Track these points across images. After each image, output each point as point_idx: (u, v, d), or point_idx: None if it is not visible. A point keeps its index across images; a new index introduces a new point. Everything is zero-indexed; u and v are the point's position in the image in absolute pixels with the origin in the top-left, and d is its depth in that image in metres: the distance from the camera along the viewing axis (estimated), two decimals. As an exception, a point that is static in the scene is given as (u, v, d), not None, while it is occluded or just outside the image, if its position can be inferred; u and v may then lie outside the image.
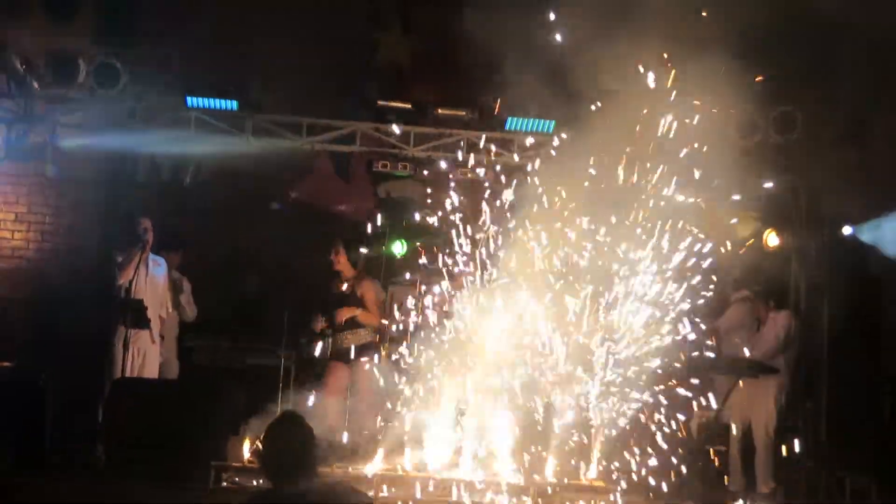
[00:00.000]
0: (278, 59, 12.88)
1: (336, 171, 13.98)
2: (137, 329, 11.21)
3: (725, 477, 11.72)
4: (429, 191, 12.40)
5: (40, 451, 10.57)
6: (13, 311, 13.17)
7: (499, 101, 12.50)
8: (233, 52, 12.91)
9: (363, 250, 12.57)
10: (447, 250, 11.28)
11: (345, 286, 11.99)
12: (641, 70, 10.92)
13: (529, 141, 12.43)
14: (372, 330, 12.05)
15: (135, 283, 11.20)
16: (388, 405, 10.99)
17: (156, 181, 13.38)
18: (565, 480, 10.27)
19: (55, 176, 12.83)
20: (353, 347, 11.94)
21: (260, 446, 5.89)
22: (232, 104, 12.35)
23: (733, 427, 11.81)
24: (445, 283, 11.19)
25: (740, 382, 11.57)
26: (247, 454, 10.02)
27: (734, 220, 11.70)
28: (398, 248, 13.81)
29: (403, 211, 13.90)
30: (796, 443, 11.83)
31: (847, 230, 12.62)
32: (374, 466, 10.35)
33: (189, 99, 12.28)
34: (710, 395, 11.65)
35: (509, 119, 12.40)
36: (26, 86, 12.10)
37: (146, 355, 11.43)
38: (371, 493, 9.42)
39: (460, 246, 11.17)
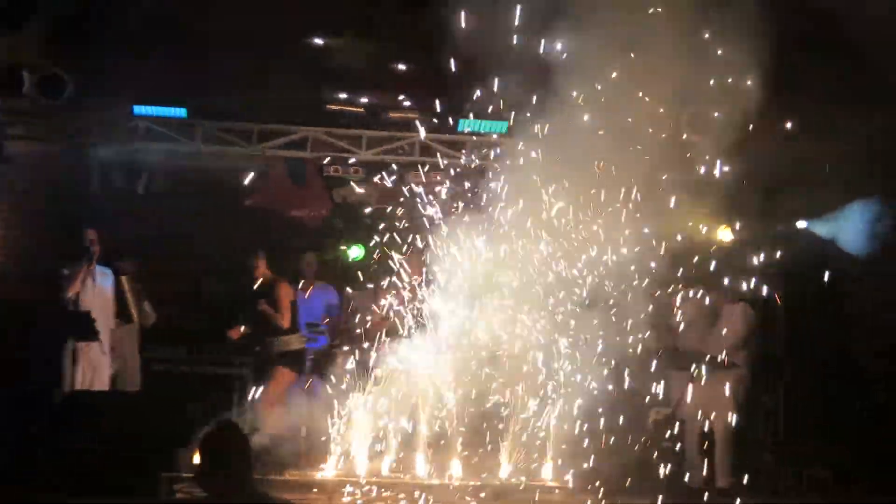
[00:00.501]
0: (230, 65, 12.83)
1: (291, 176, 13.86)
2: (86, 342, 11.08)
3: (687, 474, 11.68)
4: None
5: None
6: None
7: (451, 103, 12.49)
8: (183, 60, 12.81)
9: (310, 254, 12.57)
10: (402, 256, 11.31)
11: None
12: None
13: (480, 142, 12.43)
14: (300, 338, 11.99)
15: (82, 296, 11.09)
16: (337, 410, 10.96)
17: (109, 190, 13.28)
18: (521, 480, 10.27)
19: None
20: (283, 351, 11.92)
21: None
22: (180, 112, 12.24)
23: (692, 422, 11.80)
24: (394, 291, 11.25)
25: (702, 378, 11.60)
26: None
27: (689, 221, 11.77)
28: (355, 252, 13.75)
29: (361, 215, 13.85)
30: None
31: (802, 224, 12.62)
32: (328, 472, 10.32)
33: (136, 108, 12.16)
34: (664, 391, 11.73)
35: (461, 121, 12.32)
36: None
37: (96, 368, 11.31)
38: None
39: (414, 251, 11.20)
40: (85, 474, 9.51)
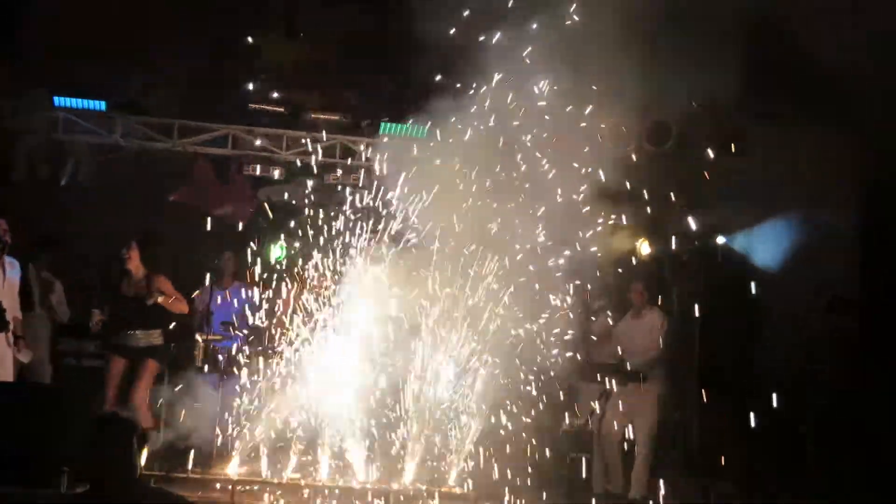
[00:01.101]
0: (156, 59, 12.79)
1: (216, 174, 13.77)
2: (-6, 332, 10.94)
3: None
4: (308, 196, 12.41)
5: None
6: None
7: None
8: (106, 52, 12.74)
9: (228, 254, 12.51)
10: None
11: (136, 285, 11.80)
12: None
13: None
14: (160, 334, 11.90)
15: (-9, 286, 10.94)
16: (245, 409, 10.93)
17: (33, 180, 13.16)
18: (423, 486, 10.25)
19: None
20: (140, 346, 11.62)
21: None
22: (100, 104, 12.13)
23: (610, 434, 11.84)
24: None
25: (617, 390, 11.67)
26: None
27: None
28: (276, 252, 13.68)
29: (284, 215, 13.81)
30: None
31: (720, 239, 12.71)
32: (231, 470, 10.26)
33: (56, 99, 12.04)
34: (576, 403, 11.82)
35: (382, 124, 12.32)
36: None
37: (2, 359, 11.15)
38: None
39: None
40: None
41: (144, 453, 10.44)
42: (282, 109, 12.64)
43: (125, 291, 11.55)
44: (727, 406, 11.94)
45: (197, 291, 12.56)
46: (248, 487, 10.03)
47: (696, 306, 12.32)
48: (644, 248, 12.71)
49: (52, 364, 12.58)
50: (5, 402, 10.17)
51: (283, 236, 13.32)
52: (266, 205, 13.98)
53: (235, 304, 12.57)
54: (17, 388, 11.16)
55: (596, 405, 11.58)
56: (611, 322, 12.17)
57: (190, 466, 10.41)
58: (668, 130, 12.44)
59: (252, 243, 13.16)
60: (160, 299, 11.42)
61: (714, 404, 12.11)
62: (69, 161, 13.02)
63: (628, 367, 11.58)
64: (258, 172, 12.77)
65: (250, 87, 13.32)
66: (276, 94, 13.07)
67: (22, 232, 11.37)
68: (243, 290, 12.73)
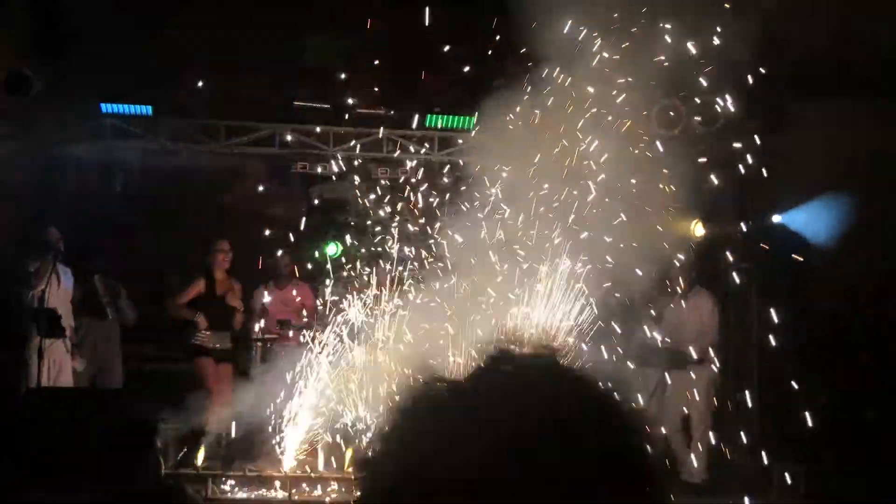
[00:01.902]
0: (198, 62, 12.87)
1: (268, 174, 13.82)
2: (52, 338, 11.04)
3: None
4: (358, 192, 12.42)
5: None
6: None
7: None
8: (151, 56, 12.84)
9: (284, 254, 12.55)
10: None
11: (220, 288, 11.93)
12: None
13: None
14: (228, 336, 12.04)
15: (48, 293, 11.04)
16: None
17: (85, 188, 13.29)
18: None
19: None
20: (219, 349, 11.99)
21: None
22: (146, 109, 12.21)
23: (671, 419, 11.77)
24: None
25: (674, 375, 11.60)
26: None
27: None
28: (332, 249, 13.69)
29: (337, 212, 13.85)
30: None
31: (777, 218, 12.54)
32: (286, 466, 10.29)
33: (104, 105, 12.12)
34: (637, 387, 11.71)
35: (428, 116, 12.30)
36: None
37: (61, 366, 11.27)
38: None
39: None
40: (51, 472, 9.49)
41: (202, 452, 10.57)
42: (327, 106, 12.62)
43: (209, 294, 11.72)
44: (787, 387, 11.78)
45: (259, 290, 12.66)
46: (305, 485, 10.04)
47: (753, 287, 12.25)
48: (698, 229, 12.55)
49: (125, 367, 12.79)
50: (69, 407, 10.33)
51: (337, 233, 13.41)
52: (317, 202, 14.05)
53: (293, 303, 12.63)
54: (77, 394, 11.32)
55: (653, 388, 11.50)
56: (671, 305, 12.09)
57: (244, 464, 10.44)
58: (716, 110, 12.24)
59: (306, 241, 13.27)
60: (237, 303, 11.64)
61: (774, 385, 11.97)
62: (121, 168, 13.12)
63: (684, 351, 11.50)
64: (307, 169, 12.77)
65: (303, 85, 13.37)
66: (320, 91, 13.06)
67: (70, 240, 11.54)
68: (302, 289, 12.80)
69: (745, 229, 12.47)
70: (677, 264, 11.75)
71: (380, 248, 11.68)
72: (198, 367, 11.94)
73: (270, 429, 10.92)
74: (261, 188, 13.86)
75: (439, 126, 12.44)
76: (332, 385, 10.82)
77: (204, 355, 11.91)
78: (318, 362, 11.03)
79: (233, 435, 11.04)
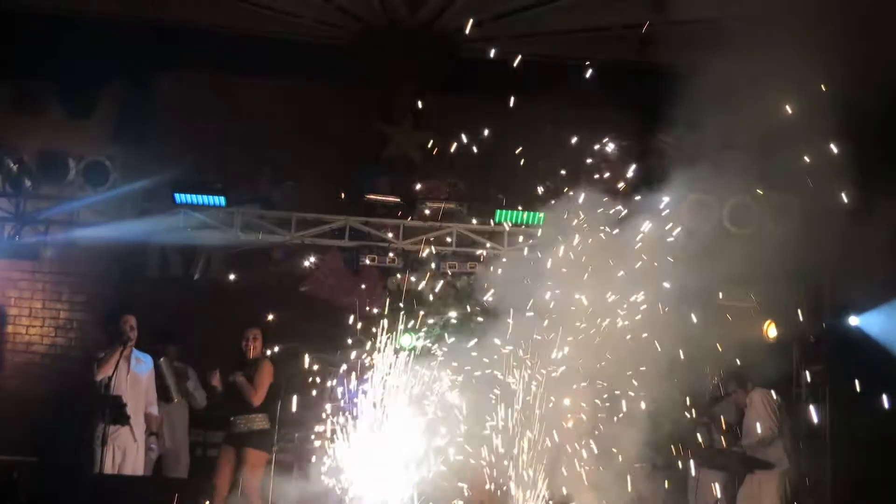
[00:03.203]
0: (269, 155, 13.13)
1: (345, 263, 13.89)
2: (116, 425, 11.17)
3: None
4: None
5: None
6: (24, 406, 13.36)
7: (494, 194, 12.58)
8: (225, 147, 13.13)
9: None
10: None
11: (246, 370, 11.96)
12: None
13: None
14: (265, 418, 11.95)
15: (114, 380, 11.19)
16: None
17: (166, 275, 13.51)
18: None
19: (54, 261, 13.06)
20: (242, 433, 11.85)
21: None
22: (220, 200, 12.40)
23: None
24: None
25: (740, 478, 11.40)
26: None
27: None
28: (407, 341, 13.67)
29: (413, 304, 13.87)
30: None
31: (854, 320, 12.28)
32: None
33: (177, 196, 12.34)
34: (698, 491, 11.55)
35: (498, 212, 12.31)
36: (20, 185, 12.28)
37: (126, 452, 11.38)
38: None
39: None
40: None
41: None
42: (398, 200, 12.72)
43: (235, 376, 11.80)
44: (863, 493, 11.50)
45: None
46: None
47: (828, 389, 12.01)
48: (771, 330, 12.35)
49: (191, 455, 12.88)
50: (129, 495, 10.45)
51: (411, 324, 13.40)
52: (396, 293, 14.09)
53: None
54: (139, 482, 11.42)
55: (717, 492, 11.26)
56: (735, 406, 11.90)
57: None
58: (791, 208, 12.09)
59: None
60: (239, 379, 11.64)
61: (850, 491, 11.69)
62: (201, 256, 13.31)
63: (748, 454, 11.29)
64: (375, 262, 12.82)
65: (382, 178, 13.51)
66: (391, 185, 13.18)
67: (145, 327, 11.72)
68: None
69: (819, 330, 12.25)
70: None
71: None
72: (220, 454, 11.95)
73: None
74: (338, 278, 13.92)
75: (510, 222, 12.42)
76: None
77: (228, 442, 11.91)
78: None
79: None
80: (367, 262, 12.80)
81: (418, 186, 12.92)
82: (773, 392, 11.71)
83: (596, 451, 11.25)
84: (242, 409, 11.83)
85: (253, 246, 13.06)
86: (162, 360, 12.30)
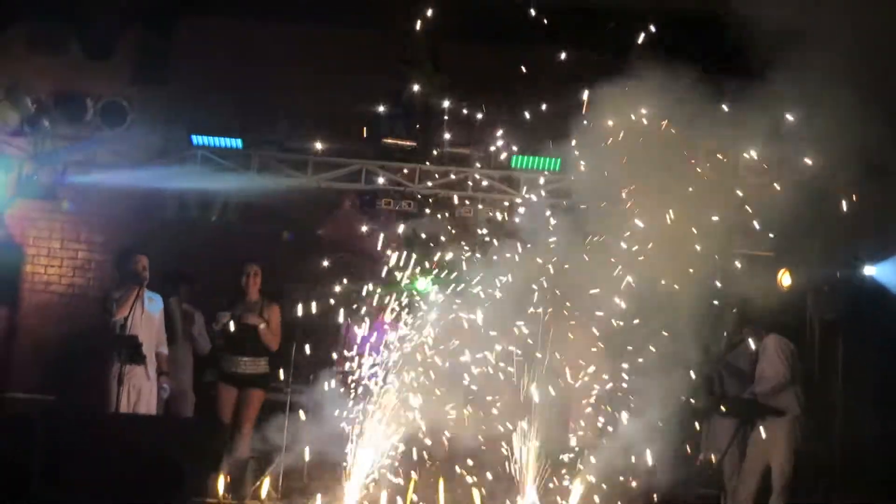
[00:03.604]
0: (288, 97, 13.13)
1: (361, 207, 13.92)
2: (132, 365, 11.26)
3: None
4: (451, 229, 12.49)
5: (25, 489, 10.66)
6: (42, 345, 13.51)
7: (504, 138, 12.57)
8: (241, 92, 13.12)
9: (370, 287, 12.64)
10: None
11: (249, 310, 12.09)
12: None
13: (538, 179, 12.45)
14: (267, 362, 12.08)
15: (130, 320, 11.27)
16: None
17: (183, 217, 13.57)
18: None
19: (72, 211, 13.11)
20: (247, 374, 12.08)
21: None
22: (237, 142, 12.42)
23: (747, 471, 11.61)
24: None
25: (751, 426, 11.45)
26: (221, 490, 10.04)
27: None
28: (423, 284, 13.70)
29: (429, 248, 13.91)
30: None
31: (869, 270, 12.28)
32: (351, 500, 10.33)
33: (194, 137, 12.37)
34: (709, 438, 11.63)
35: (514, 157, 12.31)
36: (38, 125, 12.32)
37: (141, 391, 11.47)
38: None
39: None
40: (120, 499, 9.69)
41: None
42: (415, 144, 12.71)
43: (238, 315, 11.88)
44: (871, 442, 11.55)
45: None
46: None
47: (841, 338, 12.05)
48: (786, 278, 12.35)
49: (196, 395, 12.97)
50: (141, 433, 10.54)
51: (427, 269, 13.45)
52: (412, 237, 14.13)
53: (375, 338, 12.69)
54: (152, 421, 11.52)
55: (729, 441, 11.32)
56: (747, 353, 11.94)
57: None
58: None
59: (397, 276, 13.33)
60: (261, 327, 11.73)
61: (858, 439, 11.74)
62: (218, 199, 13.33)
63: (755, 402, 11.32)
64: (391, 206, 12.85)
65: (382, 122, 13.50)
66: (408, 128, 13.17)
67: (157, 268, 11.79)
68: (384, 325, 12.85)
69: (833, 279, 12.25)
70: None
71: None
72: (215, 392, 12.14)
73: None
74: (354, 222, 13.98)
75: (525, 167, 12.41)
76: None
77: (224, 381, 12.07)
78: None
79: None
80: (383, 205, 12.82)
81: (436, 131, 12.91)
82: (787, 339, 11.75)
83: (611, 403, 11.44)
84: (249, 352, 11.98)
85: (270, 193, 13.07)
86: (172, 299, 12.40)
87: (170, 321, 12.26)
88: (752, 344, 11.81)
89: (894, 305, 11.96)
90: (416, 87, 13.89)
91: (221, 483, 10.06)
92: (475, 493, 10.30)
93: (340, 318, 12.18)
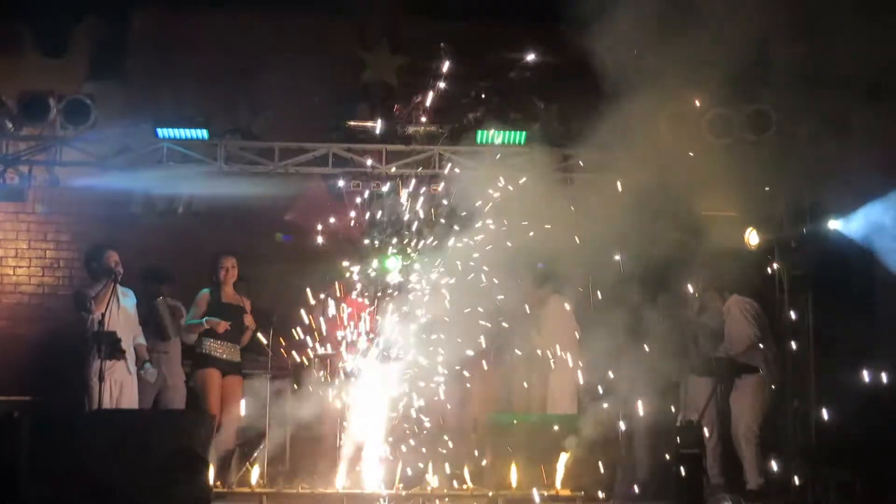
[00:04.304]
0: (249, 85, 13.14)
1: (329, 190, 13.94)
2: (112, 360, 11.30)
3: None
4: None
5: (13, 487, 10.69)
6: (15, 346, 13.52)
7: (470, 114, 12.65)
8: (203, 82, 13.12)
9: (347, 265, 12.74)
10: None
11: (229, 299, 12.31)
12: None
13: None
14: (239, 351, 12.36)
15: (108, 316, 11.31)
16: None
17: (151, 212, 13.57)
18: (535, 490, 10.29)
19: (45, 213, 13.10)
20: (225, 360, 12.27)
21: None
22: (202, 133, 12.42)
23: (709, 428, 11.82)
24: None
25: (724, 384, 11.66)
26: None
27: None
28: (393, 263, 13.75)
29: (399, 228, 13.99)
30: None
31: (834, 224, 12.42)
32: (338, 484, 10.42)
33: (159, 130, 12.35)
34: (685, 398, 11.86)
35: (479, 132, 12.37)
36: (1, 127, 12.28)
37: (123, 386, 11.53)
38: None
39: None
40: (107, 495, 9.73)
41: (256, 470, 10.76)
42: (377, 125, 12.74)
43: (216, 304, 11.99)
44: (844, 394, 11.69)
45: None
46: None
47: (810, 293, 12.20)
48: (753, 237, 12.49)
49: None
50: (127, 428, 10.58)
51: (396, 249, 13.53)
52: (374, 219, 14.20)
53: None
54: (138, 415, 11.56)
55: (708, 397, 11.50)
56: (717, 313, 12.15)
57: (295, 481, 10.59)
58: (769, 117, 12.17)
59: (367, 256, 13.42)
60: (248, 321, 11.87)
61: (831, 392, 11.89)
62: (184, 190, 13.33)
63: (728, 360, 11.55)
64: (360, 188, 12.88)
65: (363, 104, 13.58)
66: (371, 110, 13.24)
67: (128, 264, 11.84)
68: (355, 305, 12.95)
69: (799, 235, 12.37)
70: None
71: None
72: (201, 378, 12.22)
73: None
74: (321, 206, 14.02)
75: (493, 142, 12.48)
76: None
77: (211, 366, 12.18)
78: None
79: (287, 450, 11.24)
80: (351, 188, 12.87)
81: (399, 111, 12.96)
82: (750, 299, 11.95)
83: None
84: (232, 338, 12.11)
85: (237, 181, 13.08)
86: (159, 300, 12.48)
87: (158, 321, 12.37)
88: (718, 305, 12.06)
89: (861, 258, 12.08)
90: (374, 69, 14.09)
91: (211, 472, 10.08)
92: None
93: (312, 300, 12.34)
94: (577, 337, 12.12)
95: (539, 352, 12.27)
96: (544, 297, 12.42)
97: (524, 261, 11.76)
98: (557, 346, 12.11)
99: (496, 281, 11.40)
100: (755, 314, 11.85)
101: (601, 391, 11.53)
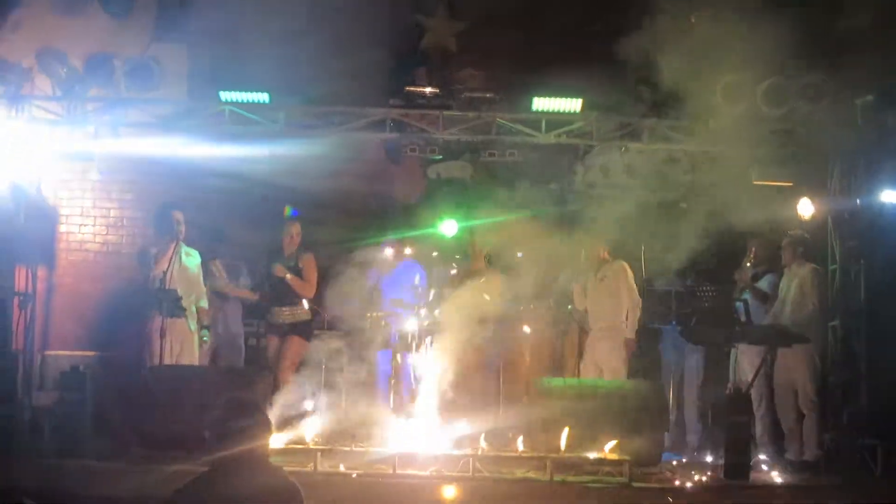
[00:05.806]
0: (310, 49, 13.24)
1: (387, 155, 14.09)
2: (173, 318, 11.58)
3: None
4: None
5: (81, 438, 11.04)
6: (80, 303, 13.80)
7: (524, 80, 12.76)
8: (268, 45, 13.23)
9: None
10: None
11: (286, 262, 12.59)
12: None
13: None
14: (307, 308, 12.52)
15: (169, 274, 11.60)
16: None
17: (214, 174, 13.76)
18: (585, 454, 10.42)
19: (103, 178, 13.30)
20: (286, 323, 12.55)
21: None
22: (264, 97, 12.58)
23: (778, 397, 11.91)
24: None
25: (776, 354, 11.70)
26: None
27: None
28: (449, 227, 13.82)
29: (455, 192, 14.15)
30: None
31: (888, 195, 12.41)
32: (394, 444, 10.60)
33: (221, 93, 12.53)
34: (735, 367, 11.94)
35: (534, 99, 12.45)
36: (69, 89, 12.48)
37: (183, 344, 11.82)
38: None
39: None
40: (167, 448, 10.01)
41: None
42: (437, 90, 12.84)
43: (276, 268, 12.20)
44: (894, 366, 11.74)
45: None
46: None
47: (863, 263, 12.21)
48: (807, 206, 12.51)
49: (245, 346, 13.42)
50: (187, 383, 10.87)
51: (454, 212, 13.70)
52: (437, 182, 14.35)
53: (405, 282, 12.92)
54: (196, 371, 11.84)
55: (759, 365, 11.57)
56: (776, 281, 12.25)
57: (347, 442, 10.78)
58: (824, 88, 12.15)
59: (424, 220, 13.59)
60: (288, 276, 12.03)
61: (883, 364, 11.92)
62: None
63: (783, 329, 11.57)
64: (416, 153, 13.03)
65: (421, 69, 13.70)
66: (429, 75, 13.35)
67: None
68: (413, 268, 13.11)
69: (853, 206, 12.38)
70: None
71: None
72: (267, 343, 12.69)
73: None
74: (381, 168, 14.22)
75: (547, 109, 12.56)
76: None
77: (272, 331, 12.58)
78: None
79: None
80: (408, 153, 13.01)
81: (457, 76, 13.09)
82: (821, 269, 12.03)
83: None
84: (287, 302, 12.30)
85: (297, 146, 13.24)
86: (217, 260, 12.75)
87: (216, 280, 12.63)
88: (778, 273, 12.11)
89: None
90: (433, 34, 14.17)
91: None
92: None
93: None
94: (637, 303, 12.27)
95: (594, 317, 12.46)
96: (611, 263, 12.54)
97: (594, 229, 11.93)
98: (616, 312, 12.27)
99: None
100: (823, 283, 11.93)
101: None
